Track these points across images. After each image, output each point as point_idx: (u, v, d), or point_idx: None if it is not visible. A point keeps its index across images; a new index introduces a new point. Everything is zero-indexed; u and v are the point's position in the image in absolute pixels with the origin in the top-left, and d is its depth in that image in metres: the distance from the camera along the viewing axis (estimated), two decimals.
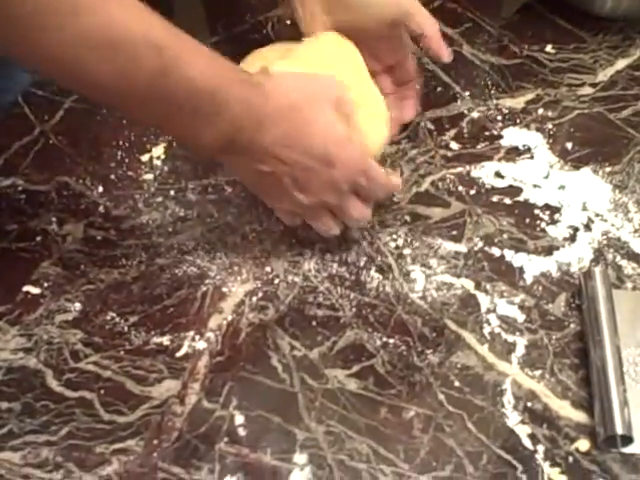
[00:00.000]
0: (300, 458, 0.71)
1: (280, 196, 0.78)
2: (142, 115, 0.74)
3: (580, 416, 0.74)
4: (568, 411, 0.74)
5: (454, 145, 0.95)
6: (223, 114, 0.71)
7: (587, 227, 0.87)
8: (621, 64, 1.04)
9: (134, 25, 0.66)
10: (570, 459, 0.71)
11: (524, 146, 0.94)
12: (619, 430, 0.69)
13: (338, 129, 0.77)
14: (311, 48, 0.88)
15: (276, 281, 0.82)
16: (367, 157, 0.79)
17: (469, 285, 0.82)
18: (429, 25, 0.89)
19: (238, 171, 0.80)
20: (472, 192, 0.90)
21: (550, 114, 0.98)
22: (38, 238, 0.85)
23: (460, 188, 0.90)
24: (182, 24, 0.70)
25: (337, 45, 0.88)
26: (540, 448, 0.72)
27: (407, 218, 0.88)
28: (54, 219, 0.86)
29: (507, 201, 0.89)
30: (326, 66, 0.85)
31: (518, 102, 1.00)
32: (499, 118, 0.98)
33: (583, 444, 0.72)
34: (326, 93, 0.78)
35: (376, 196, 0.81)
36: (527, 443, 0.72)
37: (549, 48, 1.06)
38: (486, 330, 0.79)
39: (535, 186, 0.91)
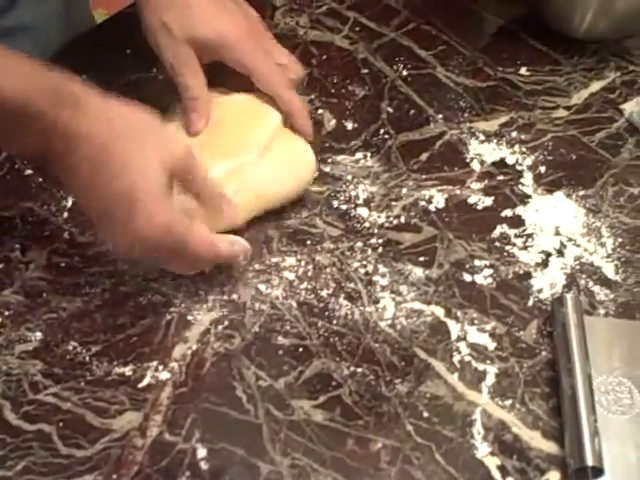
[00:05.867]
0: None
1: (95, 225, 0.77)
2: None
3: (551, 447, 0.72)
4: (539, 442, 0.72)
5: (426, 169, 0.93)
6: (34, 124, 0.70)
7: (560, 252, 0.85)
8: (596, 86, 1.03)
9: None
10: None
11: (497, 170, 0.93)
12: (589, 462, 0.68)
13: (154, 181, 0.72)
14: (226, 106, 0.90)
15: (243, 309, 0.81)
16: (178, 230, 0.74)
17: (439, 312, 0.81)
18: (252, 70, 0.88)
19: (64, 187, 0.79)
20: (444, 217, 0.89)
21: (524, 137, 0.97)
22: (0, 266, 0.83)
23: (432, 213, 0.89)
24: None
25: (251, 103, 0.90)
26: None
27: (378, 243, 0.86)
28: (17, 246, 0.85)
29: (479, 226, 0.88)
30: (242, 124, 0.88)
31: (492, 125, 0.98)
32: (473, 141, 0.96)
33: (554, 476, 0.70)
34: (161, 147, 0.74)
35: (192, 265, 0.79)
36: (497, 475, 0.70)
37: (523, 70, 1.05)
38: (456, 358, 0.77)
39: (508, 210, 0.89)
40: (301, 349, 0.78)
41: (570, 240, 0.86)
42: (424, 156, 0.95)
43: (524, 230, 0.88)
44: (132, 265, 0.82)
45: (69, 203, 0.88)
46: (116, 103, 0.74)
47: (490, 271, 0.84)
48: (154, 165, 0.72)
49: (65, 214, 0.87)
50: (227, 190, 0.83)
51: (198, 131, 0.86)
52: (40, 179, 0.90)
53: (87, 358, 0.77)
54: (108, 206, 0.72)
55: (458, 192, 0.91)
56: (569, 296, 0.79)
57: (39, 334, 0.78)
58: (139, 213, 0.71)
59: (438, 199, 0.90)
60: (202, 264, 0.79)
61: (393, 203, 0.90)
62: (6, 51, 0.72)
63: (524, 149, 0.95)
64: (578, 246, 0.86)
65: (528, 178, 0.92)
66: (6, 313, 0.80)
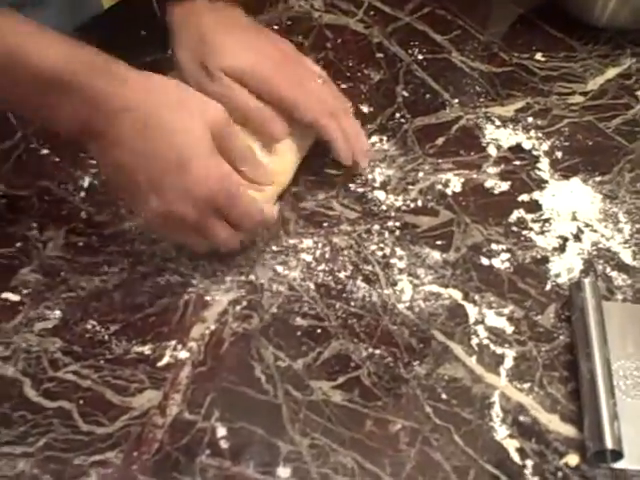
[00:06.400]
0: (283, 471, 0.69)
1: (136, 196, 0.76)
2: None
3: (569, 430, 0.72)
4: (557, 425, 0.73)
5: (442, 153, 0.93)
6: (74, 97, 0.71)
7: (577, 237, 0.86)
8: (611, 73, 1.03)
9: None
10: (559, 474, 0.70)
11: (513, 155, 0.93)
12: (609, 445, 0.68)
13: (202, 140, 0.75)
14: None
15: (260, 290, 0.81)
16: (233, 180, 0.76)
17: (457, 295, 0.81)
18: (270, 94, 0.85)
19: (100, 160, 0.78)
20: (461, 201, 0.89)
21: (540, 122, 0.97)
22: (18, 244, 0.83)
23: (448, 197, 0.89)
24: None
25: None
26: (529, 463, 0.70)
27: (395, 226, 0.86)
28: (35, 225, 0.85)
29: (496, 210, 0.88)
30: None
31: (508, 110, 0.98)
32: (488, 126, 0.96)
33: (572, 459, 0.71)
34: (201, 109, 0.76)
35: (240, 222, 0.78)
36: (515, 457, 0.71)
37: (539, 56, 1.05)
38: (474, 341, 0.78)
39: (524, 195, 0.89)
40: (319, 330, 0.78)
41: (587, 225, 0.86)
42: (440, 140, 0.95)
43: (541, 215, 0.88)
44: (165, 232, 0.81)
45: (86, 183, 0.88)
46: (151, 74, 0.75)
47: (507, 255, 0.84)
48: (199, 127, 0.74)
49: (82, 193, 0.87)
50: (283, 147, 0.86)
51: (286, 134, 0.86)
52: (57, 159, 0.90)
53: (106, 337, 0.77)
54: (158, 169, 0.74)
55: (475, 176, 0.91)
56: (587, 281, 0.79)
57: (58, 312, 0.78)
58: (194, 168, 0.74)
59: (454, 183, 0.90)
60: (247, 223, 0.79)
61: (410, 187, 0.90)
62: (44, 27, 0.73)
63: (540, 134, 0.96)
64: (595, 231, 0.86)
65: (545, 163, 0.93)
66: (25, 291, 0.79)
